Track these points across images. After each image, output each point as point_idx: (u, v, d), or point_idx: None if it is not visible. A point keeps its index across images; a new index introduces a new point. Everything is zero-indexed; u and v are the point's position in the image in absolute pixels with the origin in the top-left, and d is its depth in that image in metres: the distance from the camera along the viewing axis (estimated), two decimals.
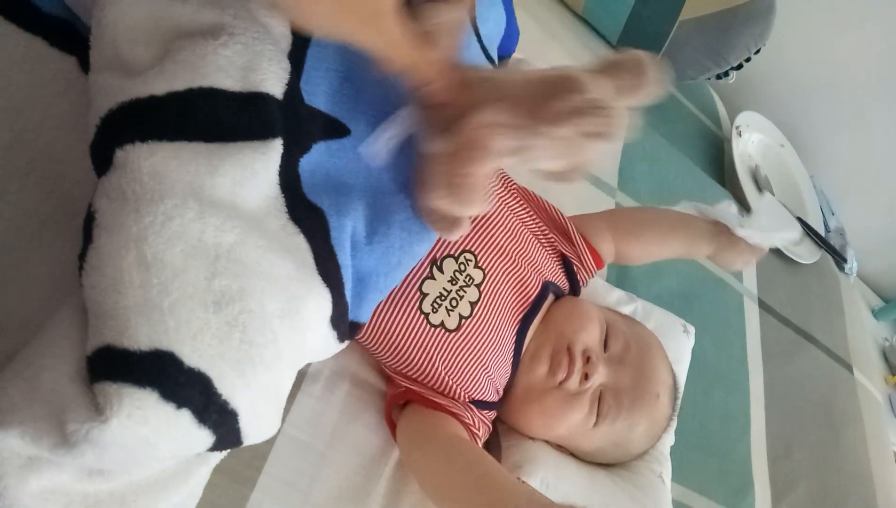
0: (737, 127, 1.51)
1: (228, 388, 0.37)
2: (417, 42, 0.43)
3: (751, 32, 1.28)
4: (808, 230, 1.52)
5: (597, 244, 0.77)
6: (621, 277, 0.99)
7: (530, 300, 0.69)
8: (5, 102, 0.47)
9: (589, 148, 0.45)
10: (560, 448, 0.72)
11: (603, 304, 0.83)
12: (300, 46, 0.47)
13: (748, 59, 1.35)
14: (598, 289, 0.88)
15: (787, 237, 0.78)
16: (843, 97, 1.61)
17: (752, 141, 1.56)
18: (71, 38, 0.50)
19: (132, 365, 0.34)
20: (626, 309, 0.87)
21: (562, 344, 0.68)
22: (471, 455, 0.57)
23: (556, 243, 0.75)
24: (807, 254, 1.48)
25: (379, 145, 0.50)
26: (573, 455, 0.73)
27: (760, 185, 1.50)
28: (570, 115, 0.41)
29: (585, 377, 0.66)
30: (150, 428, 0.34)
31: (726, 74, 1.40)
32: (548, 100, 0.42)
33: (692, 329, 0.94)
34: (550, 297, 0.72)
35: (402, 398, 0.65)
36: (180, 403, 0.35)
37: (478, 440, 0.64)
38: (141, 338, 0.35)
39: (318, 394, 0.63)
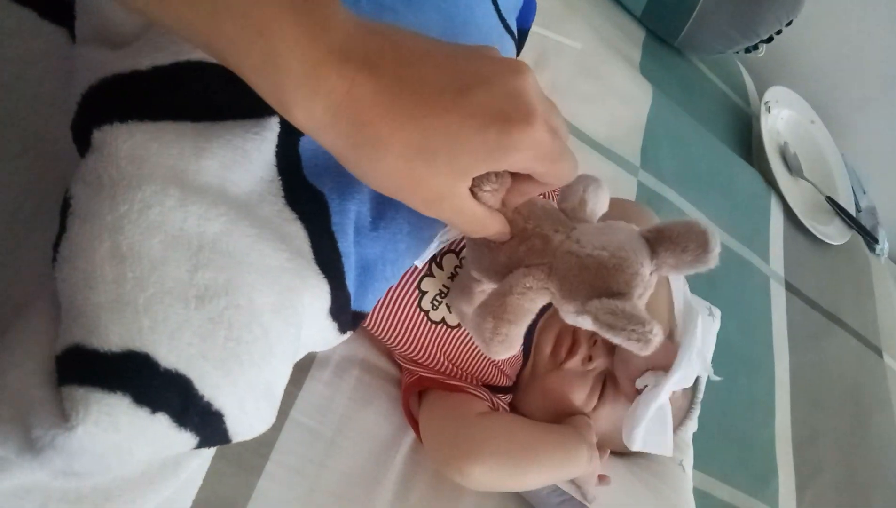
0: (765, 103, 1.45)
1: (211, 388, 0.35)
2: (484, 210, 0.41)
3: (782, 3, 1.23)
4: (839, 210, 1.47)
5: None
6: None
7: None
8: None
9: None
10: None
11: None
12: None
13: (779, 32, 1.30)
14: None
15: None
16: (876, 72, 1.55)
17: (781, 117, 1.51)
18: (62, 6, 0.47)
19: (102, 368, 0.32)
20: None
21: (567, 327, 0.67)
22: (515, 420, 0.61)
23: None
24: (836, 235, 1.43)
25: (427, 255, 0.53)
26: None
27: (789, 163, 1.45)
28: (606, 323, 0.39)
29: (589, 359, 0.66)
30: (121, 435, 0.32)
31: (756, 47, 1.35)
32: (592, 294, 0.41)
33: (718, 313, 0.91)
34: None
35: (417, 385, 0.63)
36: (155, 407, 0.33)
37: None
38: (112, 338, 0.32)
39: (327, 380, 0.62)
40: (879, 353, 1.38)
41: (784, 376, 1.13)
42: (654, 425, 0.62)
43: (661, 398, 0.61)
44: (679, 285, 0.73)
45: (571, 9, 1.16)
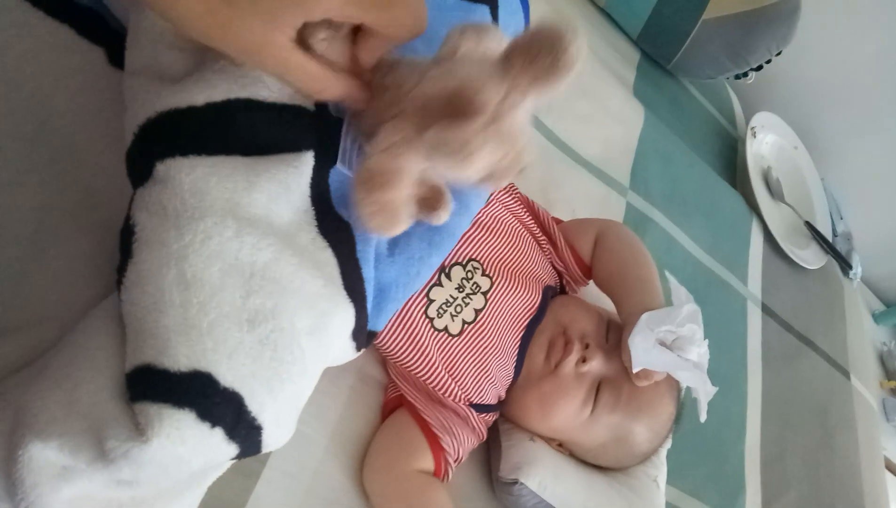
0: (752, 127, 1.50)
1: (258, 405, 0.38)
2: (327, 72, 0.39)
3: (773, 34, 1.27)
4: (816, 235, 1.51)
5: (585, 256, 0.78)
6: None
7: (535, 307, 0.70)
8: (31, 92, 0.47)
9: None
10: (560, 447, 0.73)
11: (609, 306, 0.83)
12: None
13: (769, 61, 1.34)
14: (603, 295, 0.88)
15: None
16: (860, 102, 1.60)
17: (766, 142, 1.56)
18: (99, 28, 0.49)
19: (172, 386, 0.35)
20: None
21: (558, 331, 0.69)
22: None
23: (550, 254, 0.77)
24: (813, 259, 1.48)
25: (347, 153, 0.48)
26: (575, 457, 0.74)
27: (772, 187, 1.49)
28: (461, 150, 0.36)
29: (583, 361, 0.67)
30: (186, 447, 0.35)
31: (746, 74, 1.39)
32: (443, 125, 0.37)
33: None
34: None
35: (393, 404, 0.66)
36: (214, 422, 0.36)
37: (448, 472, 0.64)
38: (180, 359, 0.36)
39: (322, 388, 0.63)
40: (847, 376, 1.43)
41: (756, 395, 1.17)
42: (653, 352, 0.64)
43: (649, 325, 0.64)
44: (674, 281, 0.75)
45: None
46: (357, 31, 0.39)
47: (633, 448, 0.73)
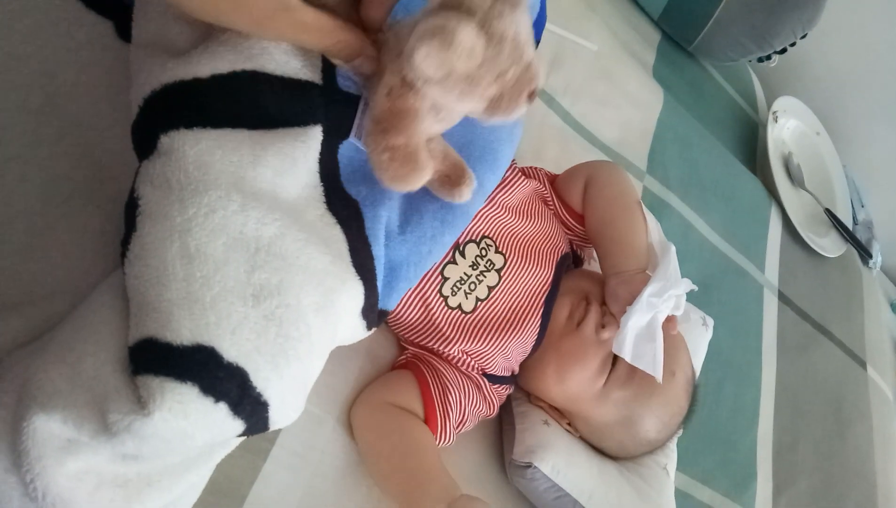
0: (773, 112, 1.47)
1: (263, 381, 0.38)
2: (336, 26, 0.38)
3: (799, 17, 1.24)
4: (836, 223, 1.49)
5: (577, 208, 0.77)
6: None
7: (548, 282, 0.70)
8: (38, 65, 0.46)
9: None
10: (570, 426, 0.72)
11: None
12: None
13: (793, 44, 1.31)
14: None
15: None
16: (885, 88, 1.57)
17: (787, 127, 1.53)
18: (107, 1, 0.49)
19: (175, 359, 0.35)
20: None
21: (580, 296, 0.70)
22: (416, 439, 0.60)
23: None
24: (832, 247, 1.46)
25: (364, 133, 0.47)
26: (585, 441, 0.73)
27: (792, 173, 1.47)
28: (455, 81, 0.36)
29: (602, 326, 0.67)
30: (189, 421, 0.35)
31: (769, 57, 1.36)
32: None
33: (711, 322, 0.94)
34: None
35: (402, 364, 0.66)
36: (218, 397, 0.36)
37: (446, 431, 0.63)
38: (183, 332, 0.35)
39: (331, 369, 0.63)
40: (863, 365, 1.41)
41: (770, 383, 1.16)
42: (644, 339, 0.63)
43: (644, 301, 0.62)
44: (653, 224, 0.74)
45: (592, 9, 1.16)
46: None
47: (639, 434, 0.73)
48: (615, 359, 0.67)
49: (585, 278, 0.74)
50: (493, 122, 0.41)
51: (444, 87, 0.38)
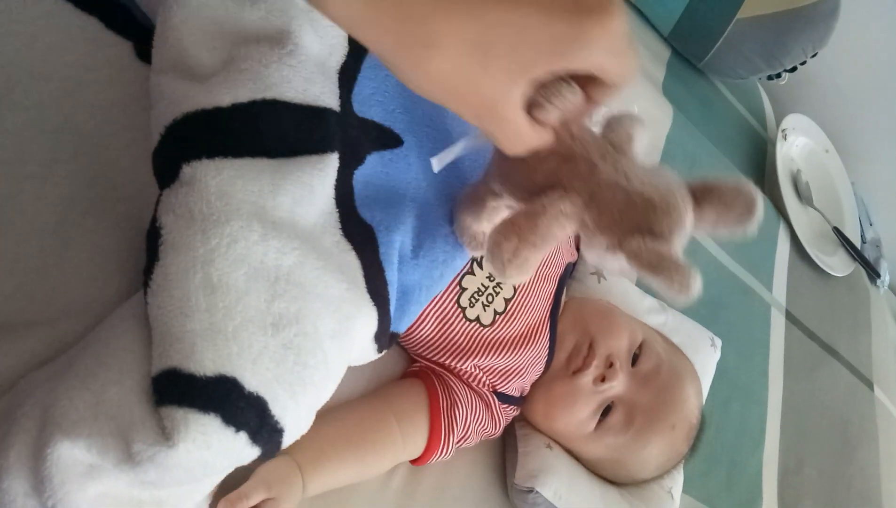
0: (782, 129, 1.47)
1: (281, 409, 0.38)
2: (530, 124, 0.37)
3: (809, 36, 1.24)
4: (844, 242, 1.49)
5: None
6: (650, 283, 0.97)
7: (551, 295, 0.70)
8: (58, 84, 0.47)
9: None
10: (570, 452, 0.72)
11: (633, 310, 0.82)
12: (357, 56, 0.46)
13: (803, 63, 1.31)
14: (631, 295, 0.87)
15: None
16: (895, 106, 1.56)
17: (796, 145, 1.53)
18: (127, 22, 0.49)
19: (198, 391, 0.35)
20: (657, 319, 0.86)
21: (585, 339, 0.69)
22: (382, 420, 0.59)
23: None
24: (840, 266, 1.45)
25: (445, 159, 0.47)
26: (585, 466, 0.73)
27: (800, 191, 1.47)
28: (649, 264, 0.36)
29: (602, 380, 0.66)
30: (211, 452, 0.35)
31: (779, 75, 1.36)
32: (632, 232, 0.38)
33: (719, 343, 0.93)
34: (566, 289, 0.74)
35: (412, 374, 0.66)
36: (239, 427, 0.36)
37: (448, 445, 0.63)
38: (206, 363, 0.36)
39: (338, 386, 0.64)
40: (871, 386, 1.40)
41: (777, 403, 1.16)
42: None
43: None
44: None
45: None
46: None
47: (631, 473, 0.73)
48: (609, 407, 0.67)
49: (606, 318, 0.72)
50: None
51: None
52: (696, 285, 0.35)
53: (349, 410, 0.60)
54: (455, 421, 0.62)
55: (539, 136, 0.37)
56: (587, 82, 0.36)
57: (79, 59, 0.48)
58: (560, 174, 0.40)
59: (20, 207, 0.44)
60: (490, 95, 0.32)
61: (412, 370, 0.67)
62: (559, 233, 0.39)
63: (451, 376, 0.65)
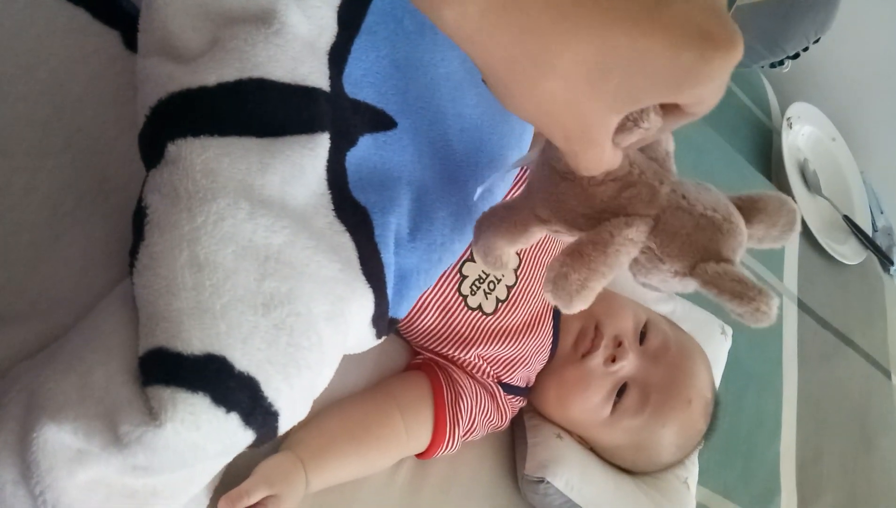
0: (787, 118, 1.45)
1: (274, 391, 0.37)
2: (612, 148, 0.35)
3: (812, 21, 1.22)
4: (855, 229, 1.47)
5: None
6: None
7: None
8: (46, 75, 0.46)
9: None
10: (582, 441, 0.71)
11: (641, 299, 0.81)
12: (347, 37, 0.45)
13: (806, 49, 1.29)
14: (638, 285, 0.86)
15: None
16: None
17: (802, 133, 1.51)
18: (114, 11, 0.49)
19: (185, 369, 0.34)
20: (665, 307, 0.85)
21: (590, 322, 0.68)
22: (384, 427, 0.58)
23: None
24: (851, 254, 1.44)
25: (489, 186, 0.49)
26: (599, 456, 0.71)
27: (808, 180, 1.45)
28: (729, 290, 0.35)
29: (612, 360, 0.65)
30: (201, 433, 0.34)
31: (781, 62, 1.34)
32: (700, 257, 0.37)
33: (730, 331, 0.92)
34: None
35: (415, 366, 0.65)
36: (230, 407, 0.35)
37: (454, 439, 0.62)
38: (194, 342, 0.35)
39: (337, 379, 0.61)
40: (888, 375, 1.38)
41: (792, 394, 1.14)
42: None
43: None
44: None
45: None
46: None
47: (652, 457, 0.72)
48: (623, 389, 0.66)
49: (608, 300, 0.72)
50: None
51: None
52: (775, 307, 0.35)
53: (352, 404, 0.59)
54: (460, 414, 0.61)
55: (616, 156, 0.36)
56: (669, 107, 0.34)
57: (67, 50, 0.47)
58: (621, 200, 0.39)
59: (10, 199, 0.44)
60: (590, 119, 0.30)
61: (415, 362, 0.66)
62: (626, 261, 0.38)
63: (454, 367, 0.64)
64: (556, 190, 0.42)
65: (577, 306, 0.38)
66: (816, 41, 1.28)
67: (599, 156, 0.34)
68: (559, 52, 0.27)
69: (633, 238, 0.38)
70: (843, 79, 1.60)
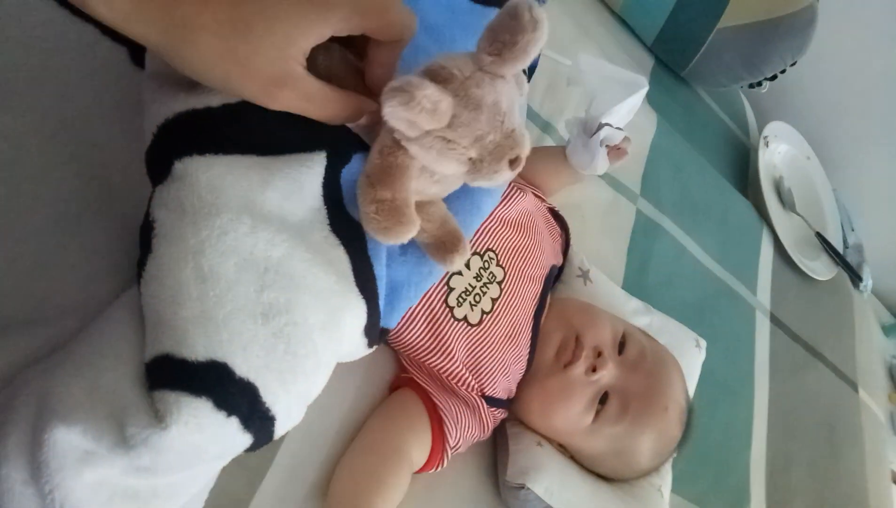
0: (764, 137, 1.50)
1: (272, 396, 0.39)
2: (339, 95, 0.41)
3: (789, 45, 1.27)
4: (827, 246, 1.51)
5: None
6: (636, 286, 0.99)
7: (536, 296, 0.72)
8: (54, 89, 0.48)
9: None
10: (562, 447, 0.73)
11: (619, 312, 0.84)
12: None
13: (783, 71, 1.34)
14: (618, 298, 0.89)
15: (635, 102, 0.73)
16: (874, 113, 1.59)
17: (778, 152, 1.55)
18: None
19: (190, 375, 0.36)
20: (642, 320, 0.88)
21: (571, 333, 0.70)
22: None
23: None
24: (823, 270, 1.48)
25: None
26: (578, 463, 0.74)
27: (783, 197, 1.49)
28: (431, 140, 0.40)
29: (593, 370, 0.67)
30: (203, 435, 0.36)
31: (759, 83, 1.39)
32: None
33: (704, 344, 0.95)
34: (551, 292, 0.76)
35: (403, 382, 0.67)
36: (230, 411, 0.37)
37: (444, 458, 0.64)
38: (198, 349, 0.37)
39: (328, 387, 0.64)
40: (855, 388, 1.42)
41: (763, 405, 1.17)
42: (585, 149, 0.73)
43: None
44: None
45: (586, 35, 1.19)
46: (361, 53, 0.42)
47: (631, 464, 0.74)
48: (604, 397, 0.68)
49: (587, 313, 0.75)
50: (477, 185, 0.44)
51: (422, 145, 0.41)
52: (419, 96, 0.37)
53: (369, 452, 0.61)
54: (450, 436, 0.63)
55: (349, 97, 0.41)
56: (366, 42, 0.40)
57: (75, 65, 0.49)
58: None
59: (18, 208, 0.45)
60: (271, 73, 0.36)
61: (404, 377, 0.67)
62: (392, 161, 0.42)
63: (439, 385, 0.66)
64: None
65: (382, 226, 0.43)
66: (793, 64, 1.32)
67: (325, 104, 0.40)
68: (199, 14, 0.33)
69: (383, 141, 0.42)
70: (818, 100, 1.65)
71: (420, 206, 0.47)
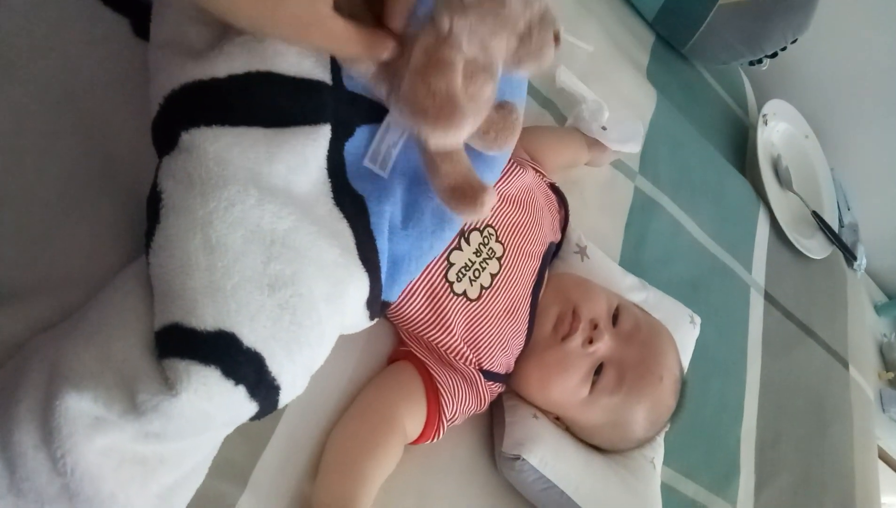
0: (763, 115, 1.49)
1: (278, 366, 0.40)
2: (362, 33, 0.41)
3: (790, 22, 1.26)
4: (822, 225, 1.52)
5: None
6: (632, 262, 1.00)
7: (535, 272, 0.72)
8: (58, 60, 0.48)
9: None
10: (558, 420, 0.74)
11: (616, 288, 0.85)
12: None
13: (784, 49, 1.34)
14: (614, 274, 0.90)
15: (634, 147, 0.97)
16: (874, 93, 1.59)
17: (777, 130, 1.55)
18: None
19: (199, 344, 0.37)
20: (638, 296, 0.89)
21: (568, 307, 0.72)
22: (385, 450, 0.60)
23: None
24: (818, 249, 1.49)
25: (382, 154, 0.50)
26: (574, 435, 0.75)
27: (780, 175, 1.50)
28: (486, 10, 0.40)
29: (590, 341, 0.69)
30: (212, 403, 0.37)
31: (760, 61, 1.38)
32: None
33: (698, 320, 0.96)
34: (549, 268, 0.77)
35: (401, 355, 0.68)
36: (238, 380, 0.38)
37: (440, 430, 0.65)
38: (207, 318, 0.38)
39: (329, 360, 0.65)
40: (846, 365, 1.44)
41: (755, 381, 1.19)
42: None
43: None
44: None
45: (587, 9, 1.18)
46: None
47: (627, 434, 0.75)
48: (600, 368, 0.70)
49: (582, 286, 0.76)
50: (523, 71, 0.45)
51: (479, 14, 0.41)
52: None
53: (360, 423, 0.61)
54: (446, 408, 0.64)
55: (372, 35, 0.42)
56: None
57: (78, 36, 0.49)
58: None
59: (22, 178, 0.46)
60: (300, 14, 0.37)
61: (402, 350, 0.68)
62: (443, 54, 0.42)
63: (437, 358, 0.67)
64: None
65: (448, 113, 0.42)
66: (794, 41, 1.32)
67: (349, 42, 0.41)
68: None
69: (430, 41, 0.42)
70: (818, 79, 1.65)
71: (446, 154, 0.48)
